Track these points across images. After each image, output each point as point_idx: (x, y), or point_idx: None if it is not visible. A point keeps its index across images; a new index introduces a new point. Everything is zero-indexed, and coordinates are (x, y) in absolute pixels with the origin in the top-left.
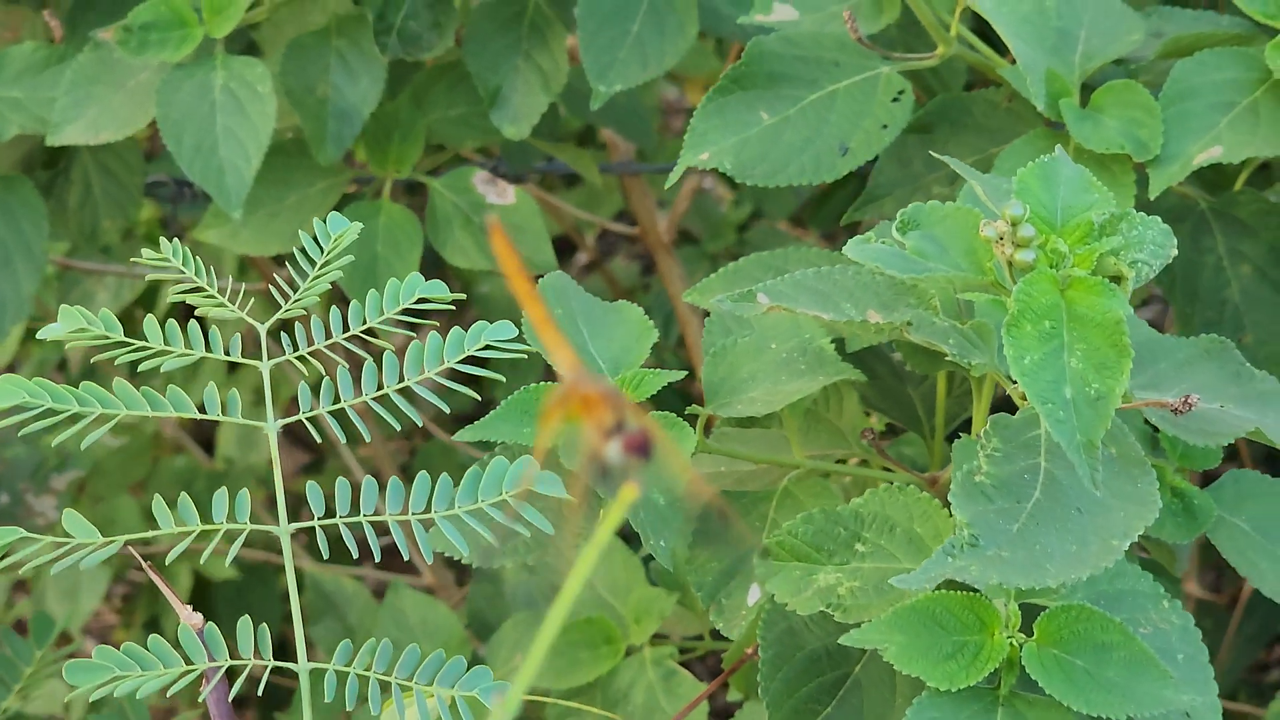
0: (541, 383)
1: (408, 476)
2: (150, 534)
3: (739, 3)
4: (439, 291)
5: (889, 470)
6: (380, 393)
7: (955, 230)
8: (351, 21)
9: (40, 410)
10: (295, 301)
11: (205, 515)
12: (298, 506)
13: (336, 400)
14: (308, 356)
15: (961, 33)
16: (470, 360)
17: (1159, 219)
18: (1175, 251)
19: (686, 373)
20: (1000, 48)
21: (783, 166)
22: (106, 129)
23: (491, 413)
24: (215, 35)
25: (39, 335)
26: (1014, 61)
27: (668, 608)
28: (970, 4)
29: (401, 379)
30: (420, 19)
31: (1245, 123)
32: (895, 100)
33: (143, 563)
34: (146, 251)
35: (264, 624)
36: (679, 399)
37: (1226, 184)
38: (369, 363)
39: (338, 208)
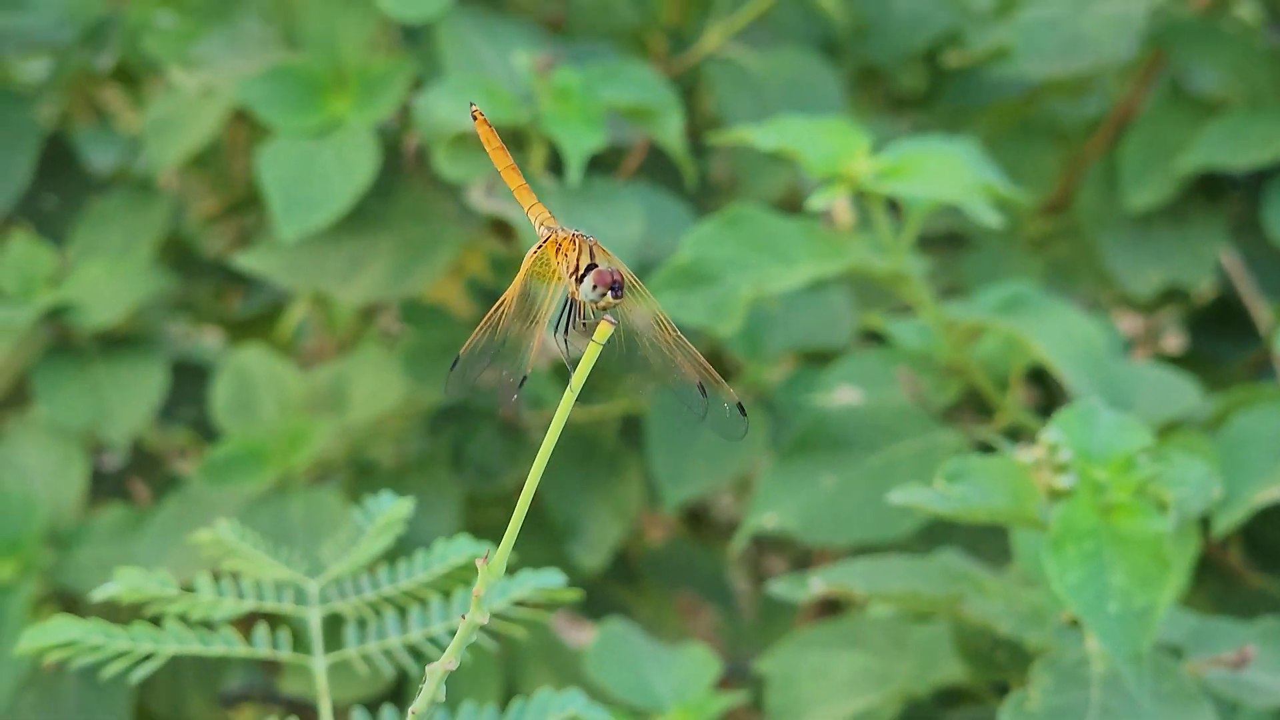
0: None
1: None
2: None
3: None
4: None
5: None
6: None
7: (999, 478)
8: (428, 459)
9: (93, 646)
10: (343, 565)
11: None
12: None
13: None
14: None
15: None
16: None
17: (1202, 459)
18: (1218, 490)
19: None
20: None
21: (846, 525)
22: (189, 566)
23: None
24: (293, 467)
25: (93, 595)
26: None
27: None
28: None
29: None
30: (493, 451)
31: None
32: None
33: None
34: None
35: None
36: None
37: None
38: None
39: None
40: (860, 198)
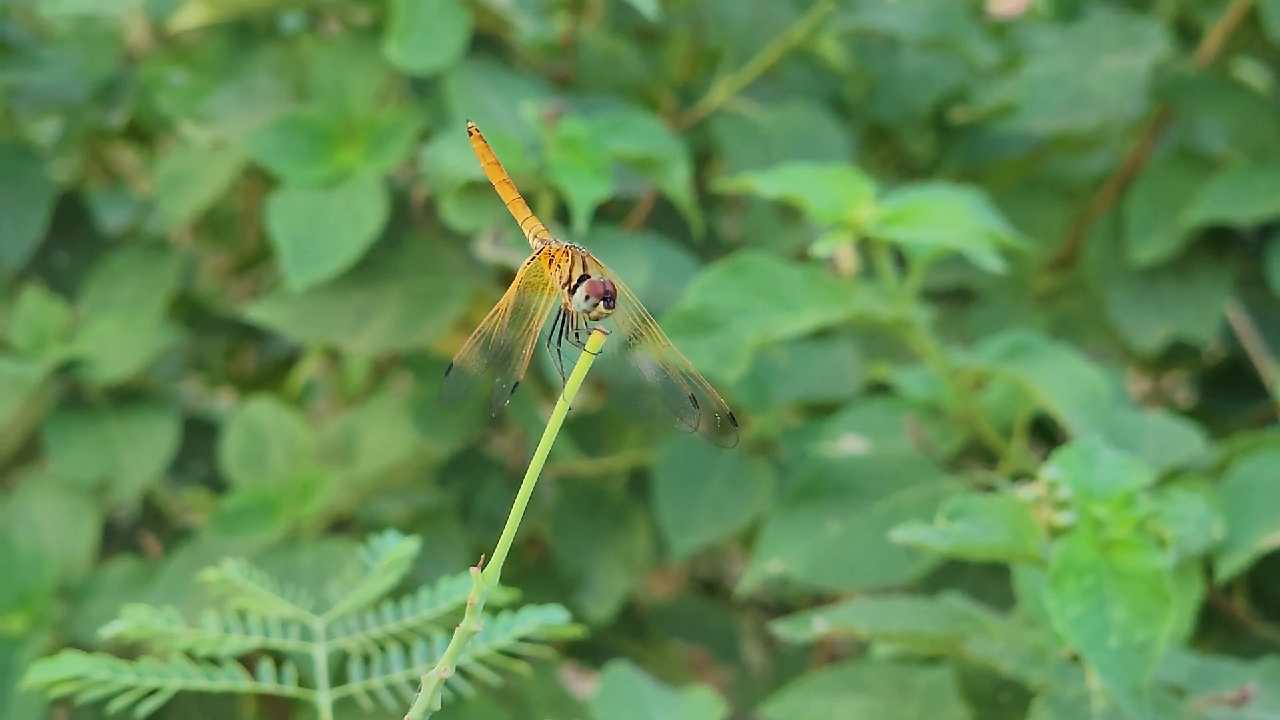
0: None
1: None
2: None
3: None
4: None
5: None
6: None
7: (1000, 515)
8: (437, 510)
9: (100, 680)
10: (348, 603)
11: None
12: None
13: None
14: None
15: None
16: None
17: (1202, 497)
18: (1219, 531)
19: None
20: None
21: (852, 571)
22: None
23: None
24: (303, 518)
25: (101, 632)
26: None
27: None
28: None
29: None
30: (501, 502)
31: None
32: None
33: None
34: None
35: None
36: None
37: None
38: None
39: None
40: (865, 246)
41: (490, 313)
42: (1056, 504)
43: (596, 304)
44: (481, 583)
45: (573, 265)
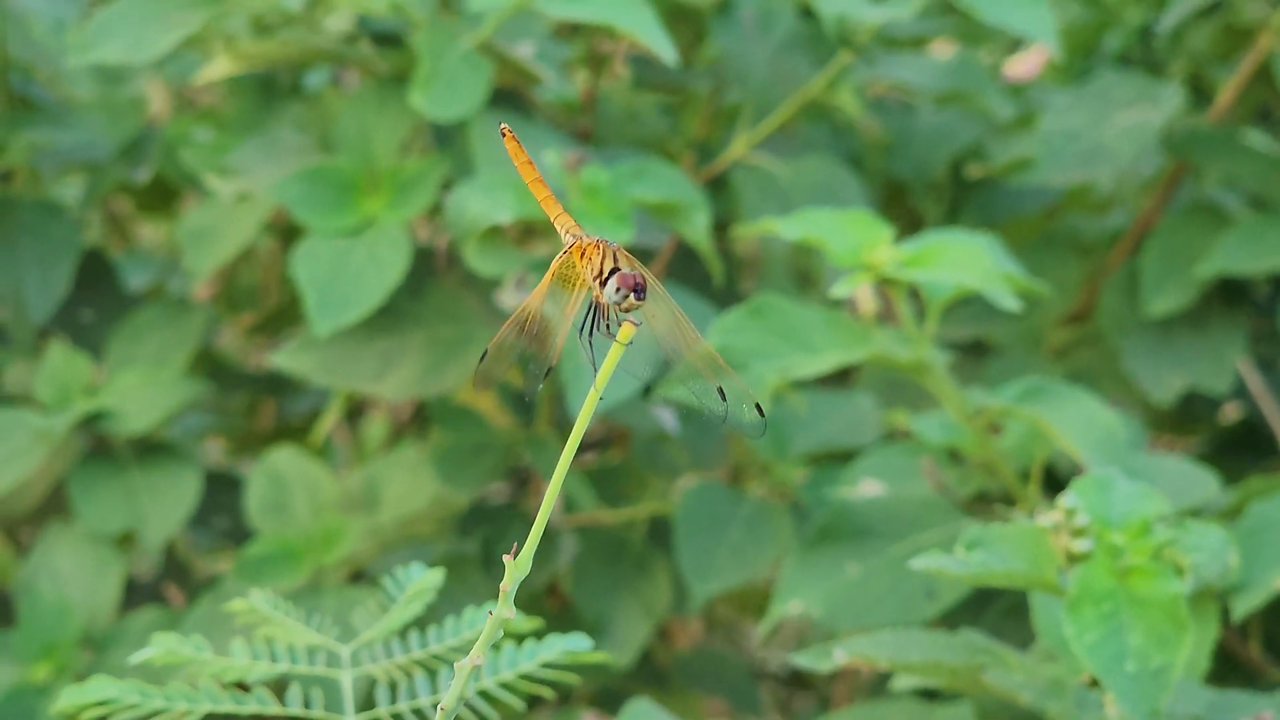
0: None
1: None
2: None
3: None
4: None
5: None
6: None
7: (1017, 543)
8: (459, 559)
9: (130, 705)
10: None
11: None
12: None
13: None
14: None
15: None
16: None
17: (1218, 528)
18: (1234, 559)
19: None
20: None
21: (870, 612)
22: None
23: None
24: (326, 566)
25: (130, 659)
26: None
27: None
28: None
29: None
30: None
31: None
32: None
33: None
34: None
35: None
36: None
37: None
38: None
39: None
40: (883, 289)
41: (524, 302)
42: (1074, 531)
43: (628, 296)
44: (514, 569)
45: (604, 258)
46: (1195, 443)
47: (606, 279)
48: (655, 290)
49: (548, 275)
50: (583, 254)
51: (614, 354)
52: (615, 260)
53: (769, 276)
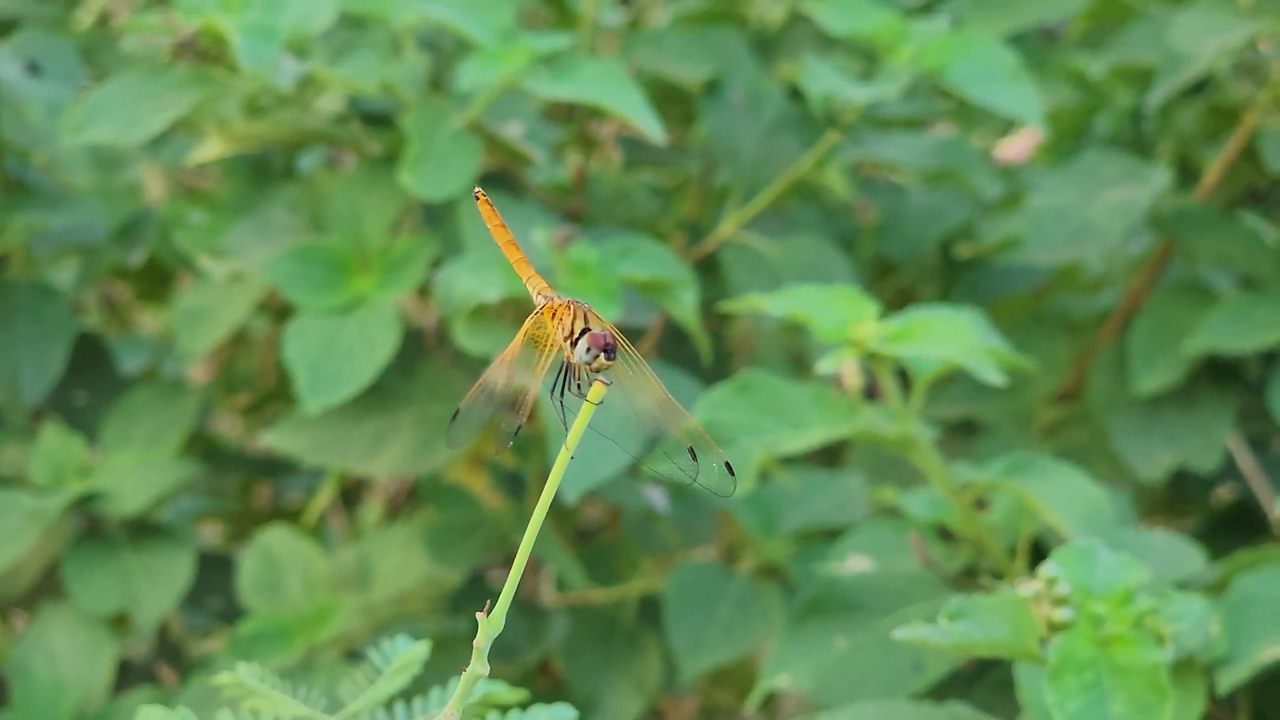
0: None
1: None
2: None
3: None
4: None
5: None
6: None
7: (1000, 613)
8: (450, 637)
9: None
10: (360, 702)
11: None
12: None
13: None
14: None
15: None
16: None
17: (1199, 597)
18: (1215, 628)
19: None
20: None
21: (859, 686)
22: None
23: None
24: (318, 644)
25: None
26: None
27: None
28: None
29: None
30: (514, 630)
31: None
32: None
33: None
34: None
35: None
36: None
37: None
38: None
39: None
40: (870, 364)
41: (495, 362)
42: (1055, 600)
43: (598, 355)
44: (487, 626)
45: (574, 319)
46: (1188, 524)
47: (577, 339)
48: (638, 362)
49: (519, 336)
50: (553, 314)
51: (585, 413)
52: (586, 320)
53: (761, 358)
